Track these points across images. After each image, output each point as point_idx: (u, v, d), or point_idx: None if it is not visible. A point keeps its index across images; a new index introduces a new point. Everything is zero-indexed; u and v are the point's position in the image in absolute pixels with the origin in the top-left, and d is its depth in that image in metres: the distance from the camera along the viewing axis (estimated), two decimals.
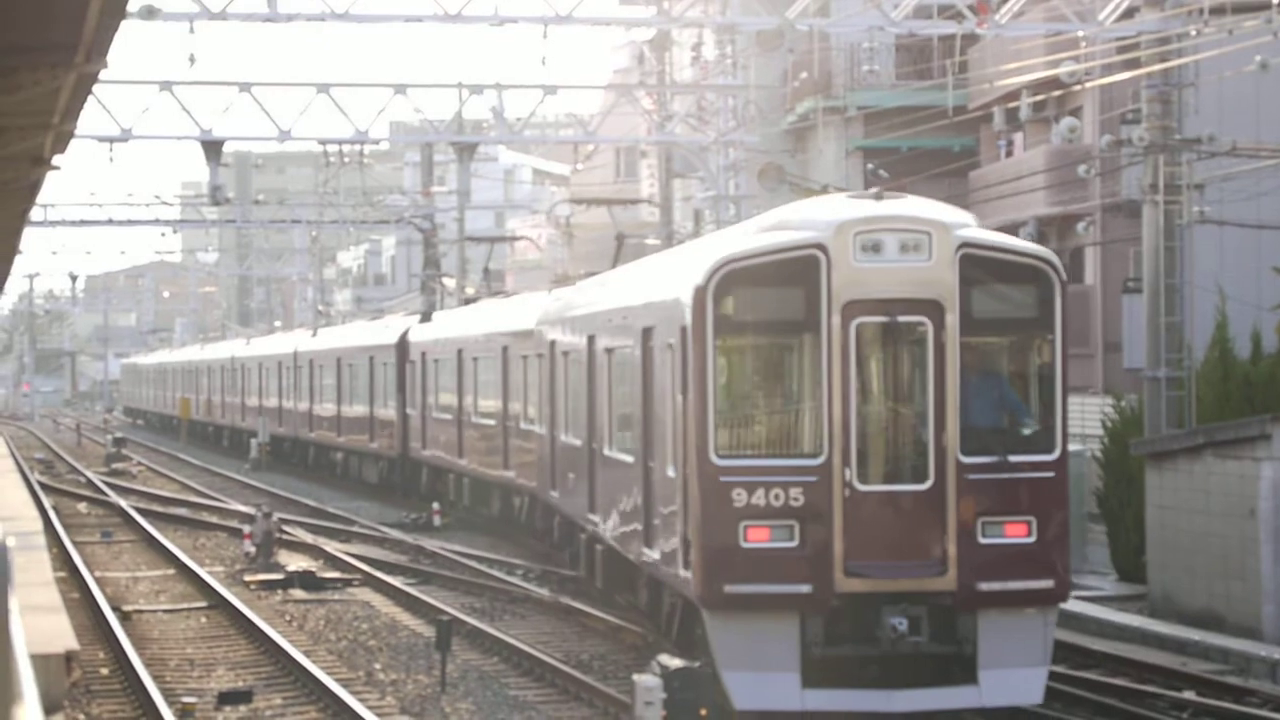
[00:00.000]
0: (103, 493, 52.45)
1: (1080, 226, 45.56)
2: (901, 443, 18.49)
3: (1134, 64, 32.06)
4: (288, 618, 28.31)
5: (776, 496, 18.18)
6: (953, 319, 18.29)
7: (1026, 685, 18.34)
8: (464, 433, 41.50)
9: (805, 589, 18.05)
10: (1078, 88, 40.80)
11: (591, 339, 25.99)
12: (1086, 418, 37.17)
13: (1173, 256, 30.34)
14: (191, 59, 32.44)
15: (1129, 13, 32.13)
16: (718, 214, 42.46)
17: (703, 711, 18.41)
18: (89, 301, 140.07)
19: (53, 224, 61.89)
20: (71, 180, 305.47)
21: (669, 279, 20.80)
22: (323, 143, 42.25)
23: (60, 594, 21.54)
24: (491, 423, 38.57)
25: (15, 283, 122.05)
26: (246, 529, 35.90)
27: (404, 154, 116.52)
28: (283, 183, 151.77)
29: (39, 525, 31.07)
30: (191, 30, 30.63)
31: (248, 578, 32.70)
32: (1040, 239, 46.66)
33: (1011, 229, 48.42)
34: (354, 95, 37.66)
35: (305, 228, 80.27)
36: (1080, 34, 33.42)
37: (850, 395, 18.18)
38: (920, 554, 18.16)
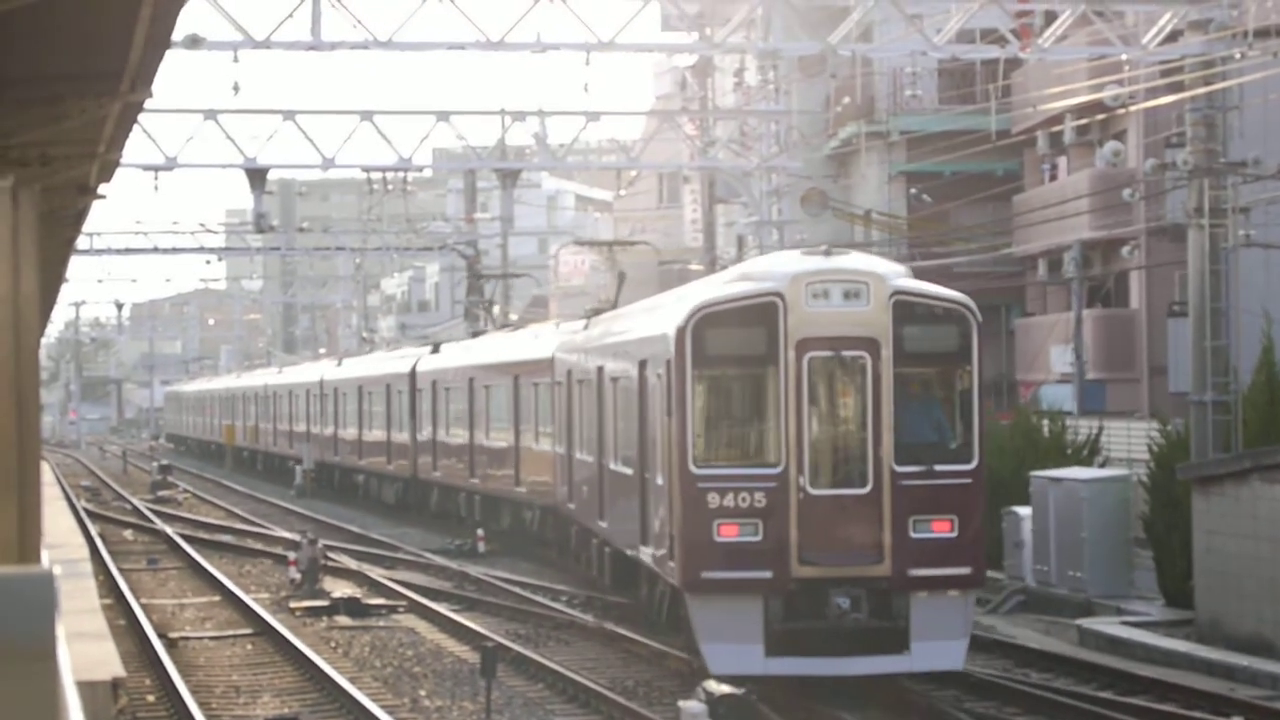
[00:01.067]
0: (148, 520, 52.59)
1: (1125, 250, 45.41)
2: (846, 454, 22.12)
3: (1178, 87, 31.98)
4: (333, 644, 28.33)
5: (743, 499, 21.85)
6: (887, 353, 21.90)
7: (950, 654, 21.97)
8: (475, 454, 44.50)
9: (767, 575, 21.64)
10: (1122, 111, 40.74)
11: (600, 369, 29.65)
12: (1133, 442, 37.01)
13: (1218, 280, 30.23)
14: (235, 87, 32.55)
15: (1173, 36, 32.05)
16: (760, 239, 42.48)
17: None
18: (134, 329, 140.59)
19: (98, 252, 62.24)
20: (117, 208, 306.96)
21: (659, 319, 24.55)
22: (366, 170, 42.43)
23: (106, 621, 21.60)
24: (504, 444, 41.49)
25: (62, 311, 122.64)
26: (291, 555, 35.95)
27: (447, 181, 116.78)
28: (326, 210, 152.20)
29: (85, 552, 31.19)
30: (235, 59, 30.74)
31: (293, 604, 32.73)
32: (1085, 263, 46.56)
33: (1056, 253, 48.36)
34: (397, 122, 38.22)
35: (349, 255, 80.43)
36: (1124, 58, 33.35)
37: (803, 416, 21.87)
38: (861, 545, 21.75)
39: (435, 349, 53.48)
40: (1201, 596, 26.88)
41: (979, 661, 25.72)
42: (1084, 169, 48.02)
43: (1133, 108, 40.27)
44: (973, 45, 35.78)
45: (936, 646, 21.80)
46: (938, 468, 21.89)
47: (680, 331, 22.08)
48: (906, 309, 22.03)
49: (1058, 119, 46.40)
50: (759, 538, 21.67)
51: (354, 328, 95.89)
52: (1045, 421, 36.74)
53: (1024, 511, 31.90)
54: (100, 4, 10.53)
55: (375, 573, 36.96)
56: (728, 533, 21.77)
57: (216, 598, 34.72)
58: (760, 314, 21.94)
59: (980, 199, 51.25)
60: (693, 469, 21.93)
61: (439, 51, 31.60)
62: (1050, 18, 34.00)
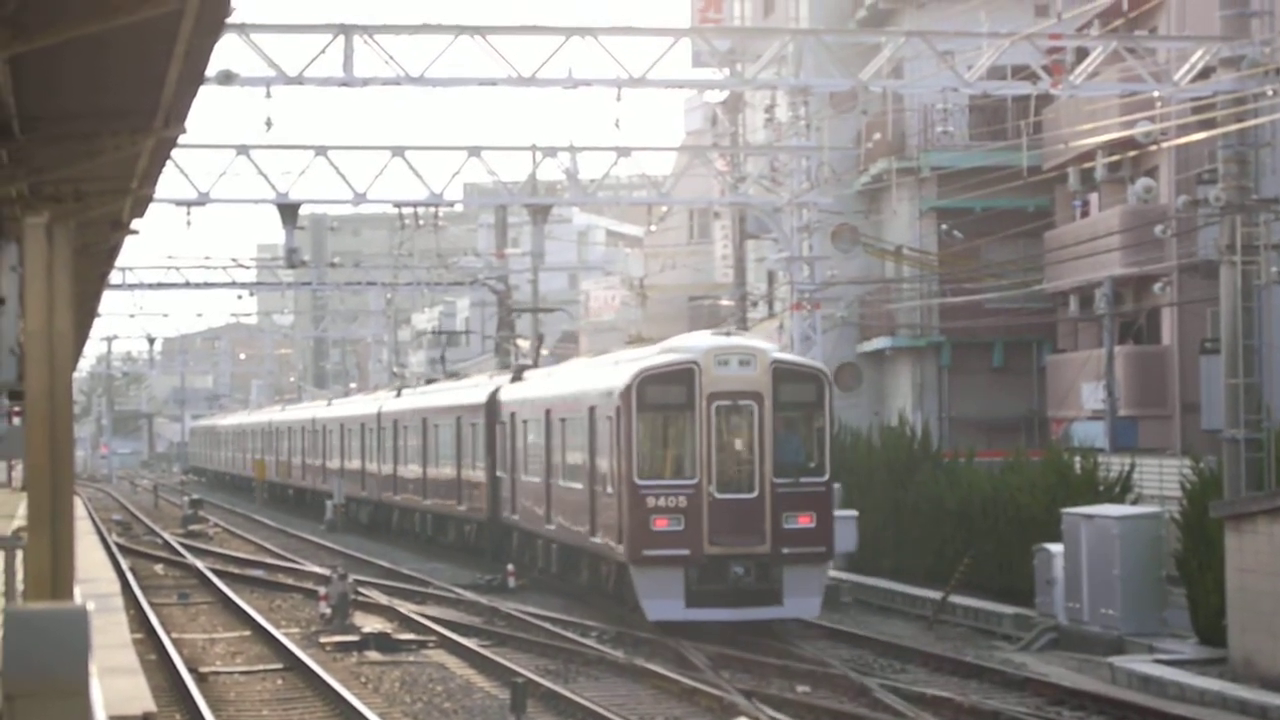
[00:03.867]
0: (179, 554, 52.65)
1: (1157, 287, 45.29)
2: (740, 470, 31.79)
3: (1210, 124, 31.94)
4: (363, 679, 28.32)
5: (671, 501, 31.58)
6: (768, 402, 31.70)
7: (810, 606, 31.81)
8: (427, 480, 53.14)
9: (686, 552, 31.35)
10: (1153, 148, 40.67)
11: (548, 412, 38.80)
12: (1165, 479, 36.88)
13: (1250, 317, 30.14)
14: (268, 123, 32.68)
15: (1205, 73, 32.04)
16: (791, 275, 42.46)
17: None
18: (166, 363, 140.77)
19: (131, 287, 62.46)
20: (149, 243, 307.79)
21: (607, 378, 34.34)
22: (397, 205, 42.55)
23: (138, 656, 21.64)
24: (449, 471, 49.76)
25: (94, 345, 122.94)
26: (322, 590, 35.95)
27: (478, 216, 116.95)
28: (358, 245, 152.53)
29: (117, 587, 31.25)
30: (268, 95, 30.87)
31: (323, 639, 32.72)
32: (1116, 299, 46.47)
33: (1087, 289, 48.26)
34: (428, 158, 38.24)
35: (380, 290, 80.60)
36: (1156, 94, 33.34)
37: (712, 444, 31.58)
38: (750, 532, 31.41)
39: (398, 393, 62.38)
40: (1235, 635, 26.76)
41: (1010, 699, 25.64)
42: (1115, 205, 47.93)
43: (1164, 144, 40.18)
44: (1004, 81, 35.79)
45: (801, 601, 31.58)
46: (802, 480, 31.71)
47: (628, 387, 32.05)
48: (781, 373, 31.91)
49: (1089, 155, 46.30)
50: (681, 527, 31.40)
51: (385, 362, 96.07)
52: (1077, 458, 36.64)
53: (1056, 549, 31.80)
54: (135, 41, 10.58)
55: (405, 608, 36.94)
56: (660, 524, 31.49)
57: (247, 632, 34.72)
58: (683, 376, 31.82)
59: (1011, 235, 51.13)
60: (637, 481, 31.79)
61: (470, 87, 31.72)
62: (1081, 54, 34.00)
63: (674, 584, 31.22)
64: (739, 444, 31.67)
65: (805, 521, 31.42)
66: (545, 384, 41.39)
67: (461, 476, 48.50)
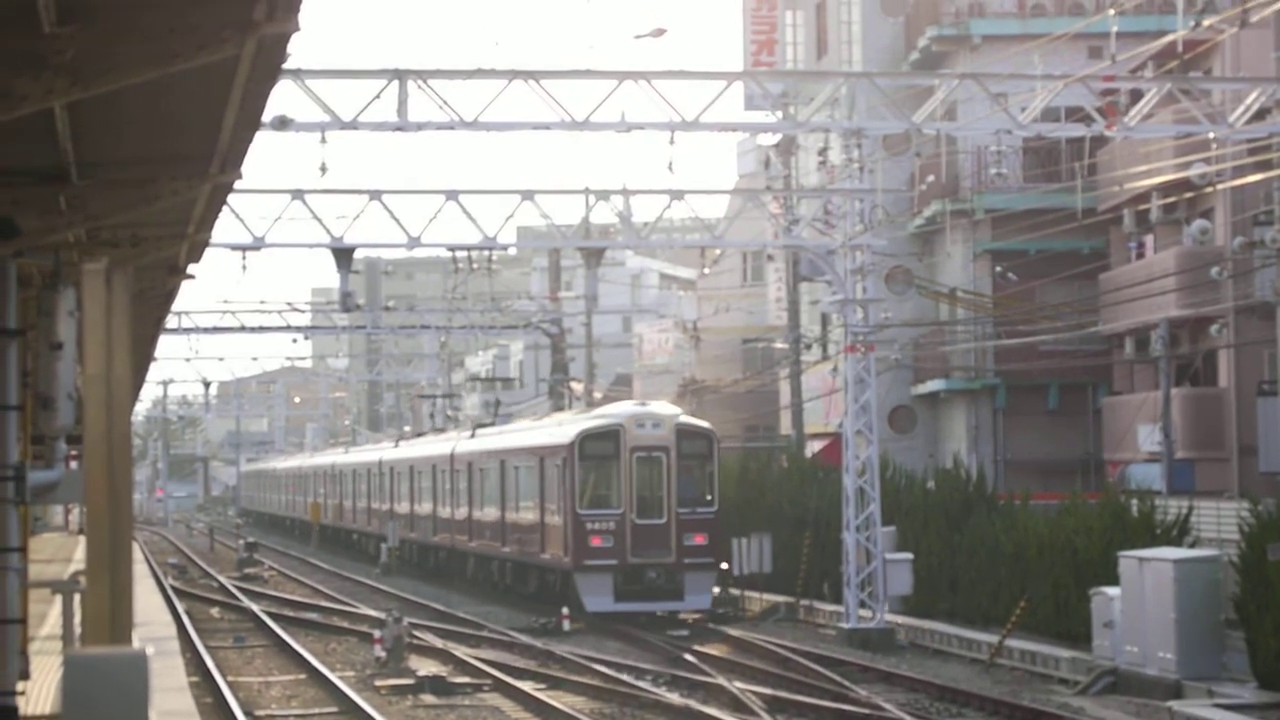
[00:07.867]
0: (235, 597, 52.76)
1: (1213, 329, 45.09)
2: (653, 502, 42.50)
3: (1266, 165, 31.82)
4: None
5: (604, 525, 42.29)
6: (673, 454, 42.76)
7: (703, 600, 42.46)
8: (414, 516, 64.59)
9: (615, 562, 42.07)
10: (1209, 189, 40.53)
11: (503, 461, 50.27)
12: (1223, 522, 36.64)
13: None
14: (323, 168, 32.78)
15: (1260, 114, 31.93)
16: (845, 318, 42.35)
17: None
18: (221, 407, 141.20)
19: (186, 331, 62.59)
20: (205, 288, 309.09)
21: (554, 435, 45.57)
22: (451, 249, 42.57)
23: (194, 699, 21.67)
24: (429, 508, 61.36)
25: (150, 389, 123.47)
26: (377, 633, 35.97)
27: (532, 259, 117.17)
28: (412, 288, 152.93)
29: (173, 630, 31.32)
30: (323, 140, 31.02)
31: (379, 682, 32.73)
32: (1172, 341, 46.28)
33: (1143, 331, 48.09)
34: (482, 202, 38.59)
35: (434, 333, 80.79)
36: (1211, 136, 33.24)
37: (633, 483, 42.48)
38: (661, 547, 42.12)
39: (395, 444, 74.19)
40: None
41: None
42: (1171, 247, 47.77)
43: (1220, 185, 40.05)
44: (1058, 124, 35.72)
45: (697, 597, 42.15)
46: (697, 510, 42.48)
47: (573, 443, 43.14)
48: (682, 432, 43.08)
49: (1144, 197, 46.17)
50: (612, 544, 41.98)
51: (439, 405, 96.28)
52: (1134, 501, 36.46)
53: (1113, 592, 31.62)
54: (192, 88, 10.65)
55: (460, 651, 36.94)
56: (596, 541, 42.12)
57: (302, 675, 34.75)
58: (612, 434, 42.92)
59: (1066, 277, 50.98)
60: (579, 511, 42.58)
61: (524, 131, 31.82)
62: (1136, 96, 33.93)
63: (606, 585, 42.04)
64: (652, 484, 42.58)
65: (700, 540, 42.30)
66: (497, 439, 52.90)
67: (436, 514, 60.23)
